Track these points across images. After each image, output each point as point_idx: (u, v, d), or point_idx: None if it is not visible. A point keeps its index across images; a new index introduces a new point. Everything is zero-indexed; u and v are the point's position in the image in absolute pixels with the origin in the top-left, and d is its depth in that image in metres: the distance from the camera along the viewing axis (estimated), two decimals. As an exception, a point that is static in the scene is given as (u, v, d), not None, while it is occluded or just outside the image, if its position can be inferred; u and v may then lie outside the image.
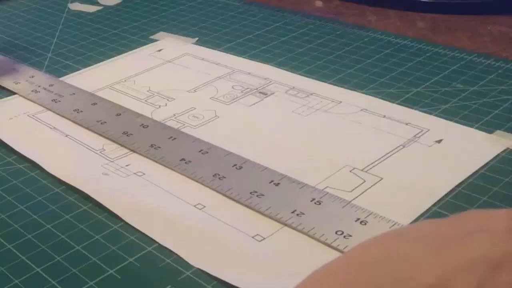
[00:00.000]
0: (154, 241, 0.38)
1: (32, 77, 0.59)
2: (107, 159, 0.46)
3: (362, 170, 0.43)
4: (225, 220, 0.39)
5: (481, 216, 0.27)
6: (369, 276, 0.25)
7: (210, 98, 0.54)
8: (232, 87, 0.55)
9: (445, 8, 0.69)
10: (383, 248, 0.26)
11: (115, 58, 0.63)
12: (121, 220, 0.39)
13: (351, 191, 0.41)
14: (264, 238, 0.37)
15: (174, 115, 0.51)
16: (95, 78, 0.58)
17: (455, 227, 0.26)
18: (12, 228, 0.40)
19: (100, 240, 0.38)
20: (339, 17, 0.70)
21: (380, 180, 0.42)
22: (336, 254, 0.35)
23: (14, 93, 0.56)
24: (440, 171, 0.42)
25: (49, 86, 0.57)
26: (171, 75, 0.58)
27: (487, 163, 0.43)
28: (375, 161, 0.44)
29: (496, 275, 0.23)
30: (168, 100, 0.54)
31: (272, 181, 0.42)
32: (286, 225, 0.38)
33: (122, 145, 0.47)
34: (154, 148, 0.46)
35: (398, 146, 0.45)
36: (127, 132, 0.48)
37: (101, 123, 0.50)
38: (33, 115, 0.52)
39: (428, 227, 0.27)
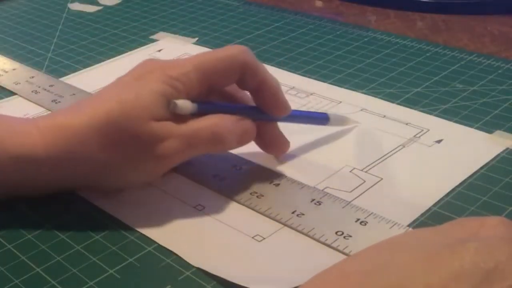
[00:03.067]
0: (154, 241, 0.38)
1: (32, 77, 0.59)
2: (107, 159, 0.46)
3: (362, 170, 0.43)
4: (225, 221, 0.39)
5: (473, 224, 0.27)
6: (365, 285, 0.25)
7: (210, 98, 0.54)
8: (232, 87, 0.55)
9: (445, 8, 0.69)
10: (377, 259, 0.26)
11: (115, 58, 0.63)
12: (121, 220, 0.39)
13: (351, 191, 0.41)
14: (264, 238, 0.37)
15: (174, 115, 0.51)
16: (95, 78, 0.58)
17: (448, 236, 0.26)
18: (12, 228, 0.40)
19: (100, 240, 0.38)
20: (339, 17, 0.70)
21: (380, 180, 0.42)
22: (336, 255, 0.35)
23: (14, 94, 0.56)
24: (440, 171, 0.42)
25: (49, 86, 0.57)
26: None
27: (487, 163, 0.43)
28: (375, 161, 0.44)
29: (488, 285, 0.23)
30: (168, 100, 0.54)
31: (272, 181, 0.42)
32: (286, 225, 0.38)
33: (122, 145, 0.47)
34: (154, 148, 0.46)
35: (398, 146, 0.45)
36: (127, 132, 0.48)
37: (101, 123, 0.50)
38: (33, 116, 0.52)
39: (421, 237, 0.28)
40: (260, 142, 0.43)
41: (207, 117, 0.39)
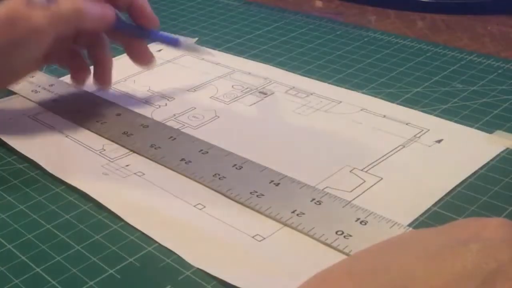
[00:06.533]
0: (154, 241, 0.38)
1: (32, 76, 0.59)
2: (107, 159, 0.46)
3: (362, 170, 0.43)
4: (225, 220, 0.39)
5: (475, 225, 0.27)
6: (366, 285, 0.25)
7: (210, 98, 0.54)
8: (232, 86, 0.55)
9: (445, 8, 0.69)
10: (378, 259, 0.26)
11: (115, 58, 0.62)
12: (121, 220, 0.39)
13: (351, 191, 0.41)
14: (264, 238, 0.37)
15: (174, 115, 0.51)
16: (95, 78, 0.58)
17: (450, 237, 0.26)
18: (12, 228, 0.40)
19: (100, 240, 0.38)
20: (339, 17, 0.70)
21: (380, 180, 0.42)
22: (336, 254, 0.35)
23: (14, 93, 0.56)
24: (440, 171, 0.42)
25: (49, 86, 0.57)
26: (171, 75, 0.58)
27: (487, 163, 0.43)
28: (375, 161, 0.44)
29: (490, 286, 0.23)
30: (168, 100, 0.54)
31: (272, 181, 0.42)
32: (286, 225, 0.38)
33: (122, 145, 0.47)
34: (154, 148, 0.46)
35: (398, 146, 0.45)
36: (127, 132, 0.48)
37: (101, 123, 0.50)
38: (33, 115, 0.52)
39: (423, 237, 0.27)
40: (130, 55, 0.53)
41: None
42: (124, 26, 0.51)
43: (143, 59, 0.53)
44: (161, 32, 0.54)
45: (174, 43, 0.53)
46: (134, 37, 0.52)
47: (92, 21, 0.48)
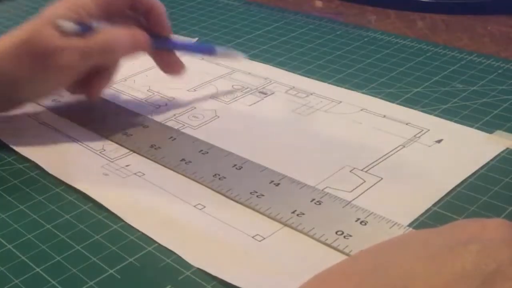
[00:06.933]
0: (154, 241, 0.38)
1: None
2: (107, 160, 0.46)
3: (362, 170, 0.43)
4: (225, 220, 0.39)
5: (474, 226, 0.27)
6: (366, 285, 0.25)
7: (210, 98, 0.54)
8: (232, 86, 0.55)
9: (445, 8, 0.69)
10: (378, 259, 0.26)
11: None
12: (121, 220, 0.39)
13: (351, 191, 0.41)
14: (264, 238, 0.37)
15: (174, 115, 0.51)
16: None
17: (450, 238, 0.26)
18: (12, 228, 0.40)
19: (100, 240, 0.38)
20: (339, 17, 0.70)
21: (380, 180, 0.42)
22: (336, 254, 0.35)
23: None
24: (440, 171, 0.42)
25: (49, 86, 0.57)
26: (171, 75, 0.58)
27: (487, 163, 0.43)
28: (375, 161, 0.44)
29: (490, 287, 0.23)
30: (168, 99, 0.54)
31: (272, 181, 0.42)
32: (286, 225, 0.38)
33: (122, 145, 0.47)
34: (154, 149, 0.46)
35: (398, 146, 0.45)
36: (127, 132, 0.48)
37: (101, 123, 0.50)
38: (33, 115, 0.52)
39: (422, 237, 0.28)
40: (161, 66, 0.52)
41: (102, 31, 0.47)
42: (158, 46, 0.50)
43: (174, 68, 0.52)
44: (195, 43, 0.54)
45: (210, 52, 0.54)
46: (168, 50, 0.52)
47: (124, 51, 0.48)
